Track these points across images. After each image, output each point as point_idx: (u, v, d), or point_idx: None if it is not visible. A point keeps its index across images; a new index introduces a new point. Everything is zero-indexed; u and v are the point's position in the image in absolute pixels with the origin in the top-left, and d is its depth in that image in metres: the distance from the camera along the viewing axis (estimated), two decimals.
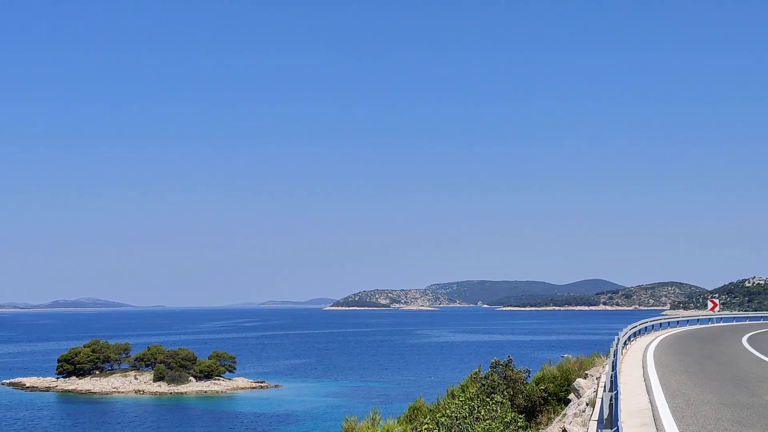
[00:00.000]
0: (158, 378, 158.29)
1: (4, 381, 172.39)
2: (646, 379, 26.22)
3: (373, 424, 29.55)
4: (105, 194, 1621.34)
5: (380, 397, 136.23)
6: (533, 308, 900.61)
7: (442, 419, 34.33)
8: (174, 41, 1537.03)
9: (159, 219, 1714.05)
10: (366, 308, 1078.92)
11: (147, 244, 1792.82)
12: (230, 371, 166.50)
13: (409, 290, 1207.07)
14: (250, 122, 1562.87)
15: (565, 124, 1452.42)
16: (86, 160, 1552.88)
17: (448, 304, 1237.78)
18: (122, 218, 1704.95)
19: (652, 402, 20.81)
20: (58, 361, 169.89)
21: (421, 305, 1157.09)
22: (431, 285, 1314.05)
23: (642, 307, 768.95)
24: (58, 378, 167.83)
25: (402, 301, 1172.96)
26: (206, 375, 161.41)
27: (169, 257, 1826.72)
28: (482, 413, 34.21)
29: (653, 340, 48.74)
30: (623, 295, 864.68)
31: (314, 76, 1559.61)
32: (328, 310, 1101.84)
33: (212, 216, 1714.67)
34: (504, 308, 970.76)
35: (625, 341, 40.80)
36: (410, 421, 40.44)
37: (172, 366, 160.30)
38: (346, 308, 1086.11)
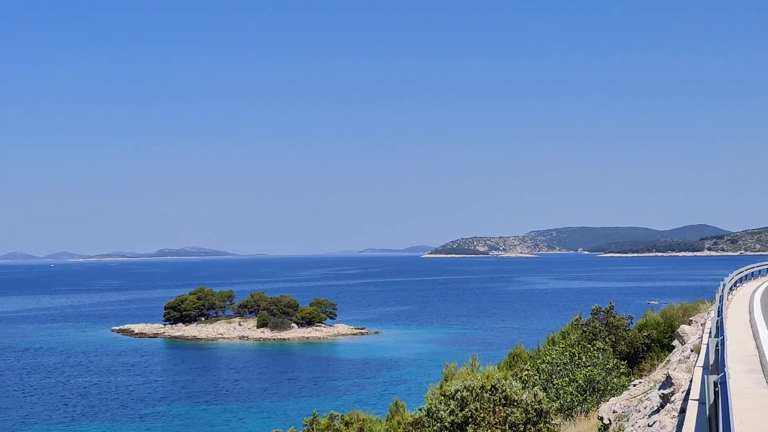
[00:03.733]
0: (261, 324, 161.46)
1: (113, 328, 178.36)
2: (753, 325, 25.49)
3: (472, 370, 29.50)
4: (209, 145, 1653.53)
5: (480, 344, 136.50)
6: (635, 254, 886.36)
7: (543, 365, 34.13)
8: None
9: (261, 169, 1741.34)
10: (464, 256, 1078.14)
11: (249, 193, 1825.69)
12: (331, 318, 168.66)
13: (508, 237, 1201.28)
14: (350, 74, 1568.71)
15: (661, 70, 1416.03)
16: (190, 112, 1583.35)
17: (547, 250, 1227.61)
18: (226, 169, 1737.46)
19: (759, 348, 20.21)
20: (165, 308, 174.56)
21: (520, 252, 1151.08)
22: (530, 232, 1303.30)
23: (748, 253, 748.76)
24: (165, 325, 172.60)
25: (501, 248, 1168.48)
26: (308, 321, 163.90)
27: (271, 207, 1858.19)
28: (583, 360, 33.88)
29: (760, 285, 47.34)
30: (729, 240, 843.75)
31: (411, 31, 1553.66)
32: (427, 257, 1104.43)
33: (312, 166, 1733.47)
34: (605, 255, 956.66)
35: (731, 287, 39.73)
36: (510, 367, 40.35)
37: (274, 313, 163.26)
38: (445, 256, 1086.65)
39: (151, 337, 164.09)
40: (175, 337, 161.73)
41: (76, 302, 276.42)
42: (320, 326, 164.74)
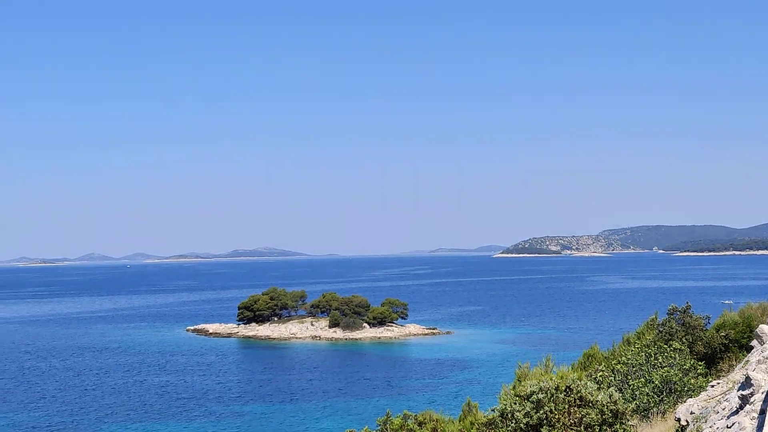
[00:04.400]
0: (333, 324, 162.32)
1: (188, 328, 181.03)
2: None
3: (546, 371, 29.30)
4: (282, 147, 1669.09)
5: (553, 344, 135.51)
6: (712, 253, 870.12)
7: (618, 366, 33.70)
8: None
9: (332, 171, 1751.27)
10: (536, 255, 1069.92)
11: (321, 194, 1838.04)
12: (402, 318, 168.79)
13: (581, 236, 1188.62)
14: (418, 76, 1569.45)
15: (732, 65, 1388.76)
16: (264, 114, 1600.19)
17: (621, 249, 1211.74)
18: (298, 171, 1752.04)
19: None
20: (239, 308, 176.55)
21: (593, 251, 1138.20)
22: (604, 230, 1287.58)
23: None
24: (239, 324, 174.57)
25: (573, 247, 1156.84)
26: (379, 321, 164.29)
27: (342, 207, 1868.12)
28: (660, 360, 33.39)
29: None
30: None
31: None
32: (498, 257, 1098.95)
33: (382, 167, 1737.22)
34: (681, 254, 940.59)
35: None
36: (585, 368, 39.96)
37: (346, 312, 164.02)
38: (516, 255, 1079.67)
39: (225, 336, 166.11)
40: (249, 337, 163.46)
41: (152, 302, 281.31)
42: (392, 326, 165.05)
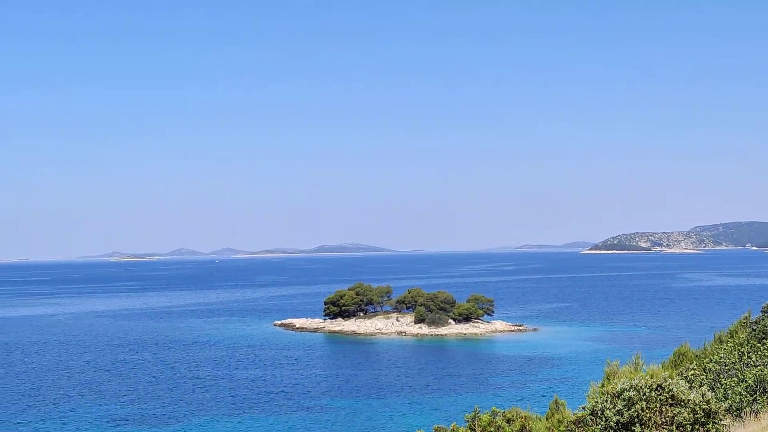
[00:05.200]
0: (419, 320, 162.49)
1: (276, 322, 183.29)
2: None
3: (636, 369, 28.98)
4: (368, 144, 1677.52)
5: (643, 342, 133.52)
6: None
7: (710, 365, 33.18)
8: None
9: (418, 166, 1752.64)
10: (625, 252, 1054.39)
11: (406, 190, 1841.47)
12: (488, 314, 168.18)
13: (672, 233, 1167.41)
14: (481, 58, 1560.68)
15: None
16: (344, 105, 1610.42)
17: (713, 246, 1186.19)
18: (384, 167, 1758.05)
19: None
20: (325, 303, 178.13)
21: (684, 248, 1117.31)
22: (695, 227, 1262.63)
23: None
24: (325, 319, 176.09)
25: (664, 243, 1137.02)
26: (465, 318, 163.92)
27: (427, 204, 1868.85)
28: (753, 359, 32.77)
29: None
30: None
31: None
32: (586, 253, 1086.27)
33: (470, 162, 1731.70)
34: None
35: None
36: (675, 366, 39.37)
37: (431, 308, 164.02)
38: (605, 252, 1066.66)
39: (311, 331, 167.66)
40: (335, 332, 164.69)
41: (239, 297, 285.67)
42: (477, 322, 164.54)
